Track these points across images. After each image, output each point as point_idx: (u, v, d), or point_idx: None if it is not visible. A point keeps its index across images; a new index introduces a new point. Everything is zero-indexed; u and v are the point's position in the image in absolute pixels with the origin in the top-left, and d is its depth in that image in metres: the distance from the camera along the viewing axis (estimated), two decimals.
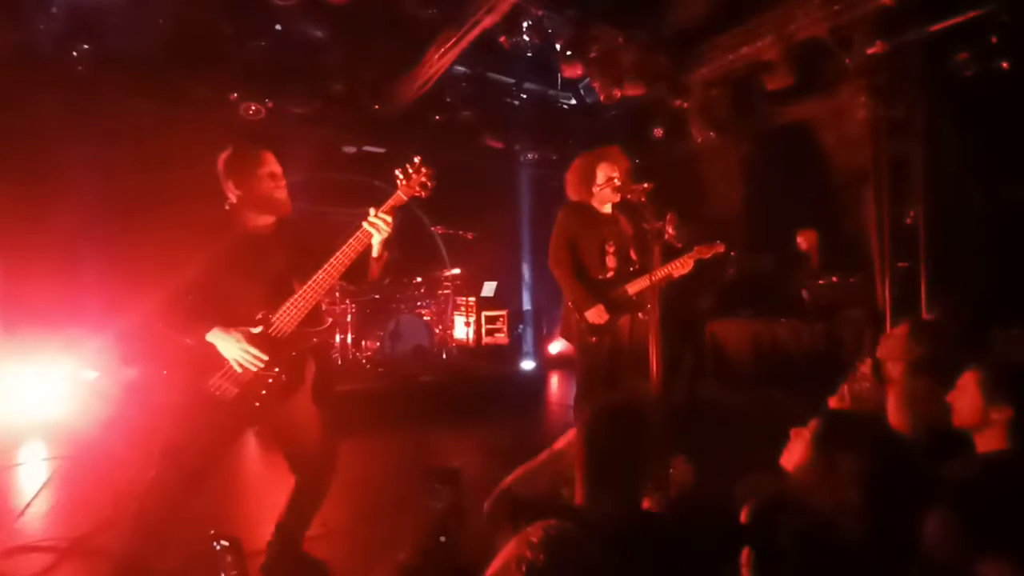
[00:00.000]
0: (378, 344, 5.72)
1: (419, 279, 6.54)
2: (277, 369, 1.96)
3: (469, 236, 6.41)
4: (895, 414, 2.02)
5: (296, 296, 1.99)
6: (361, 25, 5.04)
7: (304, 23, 5.03)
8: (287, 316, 1.99)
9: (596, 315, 3.11)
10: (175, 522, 1.93)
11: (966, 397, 1.63)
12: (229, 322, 1.90)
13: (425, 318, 6.14)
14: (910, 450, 1.31)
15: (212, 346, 1.89)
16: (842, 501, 1.16)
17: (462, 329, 6.91)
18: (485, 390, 5.65)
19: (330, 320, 2.19)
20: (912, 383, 1.98)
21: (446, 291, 6.65)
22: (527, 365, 6.38)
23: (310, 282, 2.00)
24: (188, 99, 5.13)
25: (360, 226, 2.03)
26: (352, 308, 5.78)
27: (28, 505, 2.92)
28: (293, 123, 5.84)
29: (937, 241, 4.68)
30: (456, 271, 6.51)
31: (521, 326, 7.60)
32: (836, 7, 4.58)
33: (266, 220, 2.10)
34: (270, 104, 5.32)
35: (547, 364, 7.00)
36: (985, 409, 1.57)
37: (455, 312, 6.89)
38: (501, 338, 7.02)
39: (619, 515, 1.23)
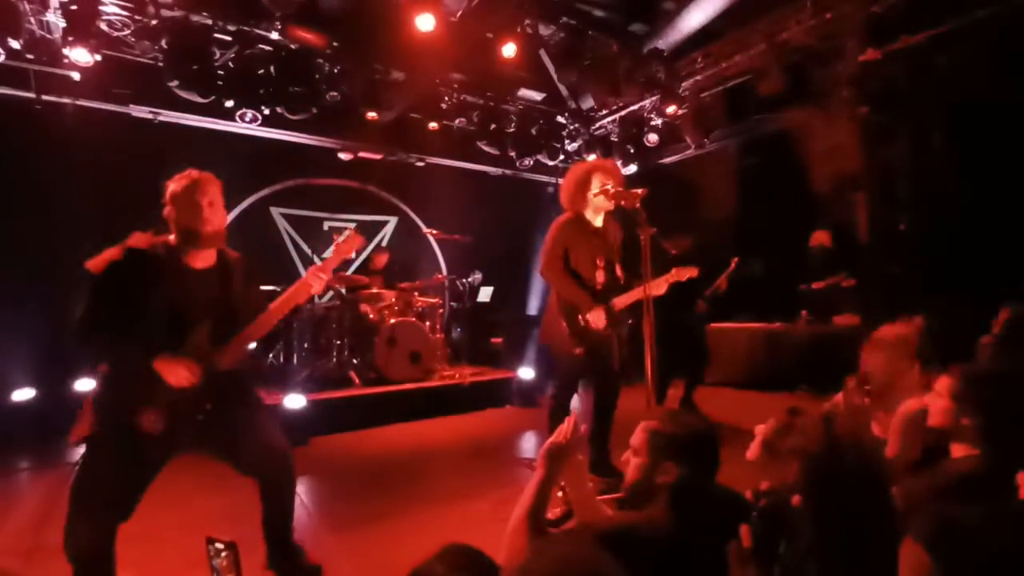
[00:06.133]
0: (373, 350, 5.70)
1: (414, 284, 6.53)
2: (209, 406, 1.99)
3: (465, 241, 6.42)
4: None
5: (238, 337, 2.05)
6: (357, 32, 5.06)
7: (301, 30, 5.04)
8: (227, 355, 2.03)
9: (596, 318, 3.12)
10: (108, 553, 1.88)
11: (940, 402, 1.67)
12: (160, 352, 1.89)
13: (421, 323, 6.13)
14: (854, 438, 1.40)
15: (142, 374, 1.87)
16: (784, 479, 1.21)
17: (458, 334, 6.90)
18: (482, 396, 5.65)
19: (248, 348, 2.23)
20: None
21: (442, 296, 6.64)
22: (524, 370, 6.37)
23: (249, 328, 2.06)
24: (182, 106, 5.12)
25: (301, 278, 2.12)
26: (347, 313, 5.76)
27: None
28: (289, 129, 5.86)
29: (928, 246, 4.73)
30: (452, 276, 6.52)
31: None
32: (827, 16, 4.66)
33: (207, 256, 2.07)
34: (266, 111, 5.33)
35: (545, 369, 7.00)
36: (956, 414, 1.60)
37: (451, 317, 6.88)
38: (498, 343, 7.02)
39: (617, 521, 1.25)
